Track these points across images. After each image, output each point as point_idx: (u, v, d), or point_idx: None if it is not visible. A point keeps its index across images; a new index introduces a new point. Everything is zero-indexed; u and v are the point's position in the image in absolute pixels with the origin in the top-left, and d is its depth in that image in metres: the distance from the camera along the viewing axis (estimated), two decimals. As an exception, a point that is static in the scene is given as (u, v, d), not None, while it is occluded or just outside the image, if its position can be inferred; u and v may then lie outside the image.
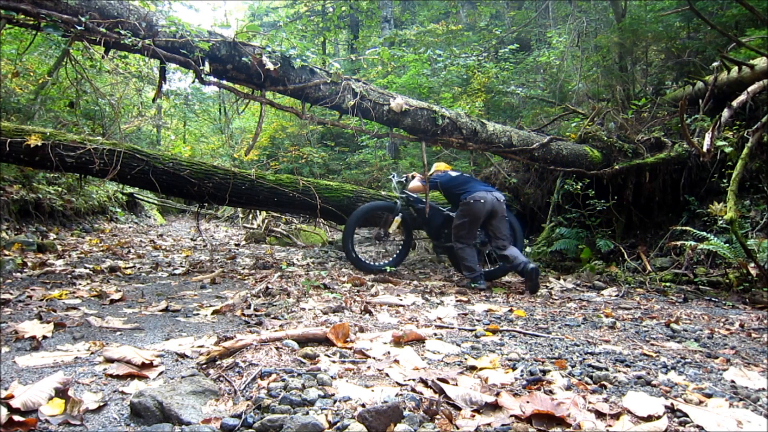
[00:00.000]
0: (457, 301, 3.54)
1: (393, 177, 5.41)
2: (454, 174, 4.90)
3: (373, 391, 1.59)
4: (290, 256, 6.30)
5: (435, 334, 2.44)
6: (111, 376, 1.71)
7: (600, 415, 1.48)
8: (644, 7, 7.14)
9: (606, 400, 1.59)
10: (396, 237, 5.63)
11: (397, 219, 5.05)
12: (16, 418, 1.36)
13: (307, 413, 1.41)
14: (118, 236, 8.29)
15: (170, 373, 1.77)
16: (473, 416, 1.46)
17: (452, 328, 2.61)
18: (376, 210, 5.15)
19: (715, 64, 5.63)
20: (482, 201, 4.50)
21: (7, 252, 4.88)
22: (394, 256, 5.31)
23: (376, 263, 5.14)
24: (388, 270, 4.91)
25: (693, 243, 4.28)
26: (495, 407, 1.52)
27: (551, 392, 1.64)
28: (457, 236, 4.60)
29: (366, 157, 10.83)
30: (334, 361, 1.91)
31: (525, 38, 10.51)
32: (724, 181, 4.47)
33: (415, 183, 5.08)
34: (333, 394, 1.55)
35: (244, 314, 2.77)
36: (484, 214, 4.48)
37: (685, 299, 3.92)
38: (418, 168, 8.60)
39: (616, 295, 4.06)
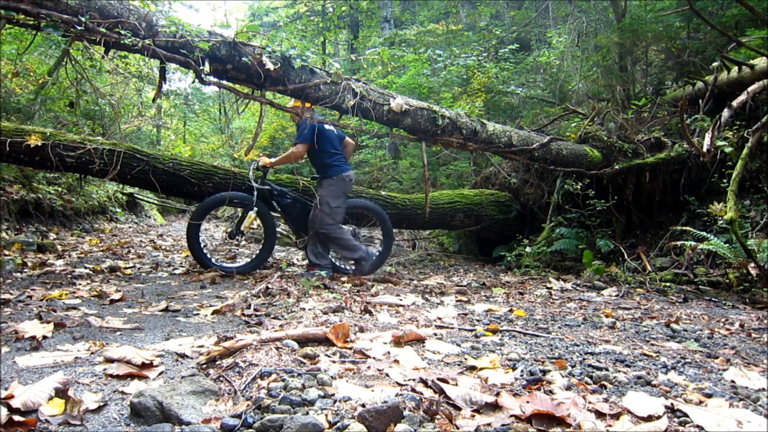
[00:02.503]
0: (457, 301, 3.54)
1: (253, 164, 4.69)
2: (327, 128, 4.49)
3: (373, 391, 1.59)
4: (290, 256, 6.31)
5: (435, 334, 2.44)
6: (111, 376, 1.71)
7: (600, 415, 1.48)
8: (644, 7, 7.14)
9: (606, 400, 1.59)
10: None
11: (251, 215, 4.39)
12: (16, 418, 1.36)
13: (307, 413, 1.41)
14: (118, 236, 8.29)
15: (170, 373, 1.77)
16: (473, 416, 1.46)
17: (452, 328, 2.61)
18: (231, 201, 4.48)
19: (715, 64, 5.62)
20: (351, 180, 4.58)
21: (7, 252, 4.87)
22: (253, 257, 4.74)
23: (231, 264, 4.63)
24: (236, 272, 4.29)
25: (693, 243, 4.28)
26: (495, 407, 1.52)
27: (551, 392, 1.64)
28: (333, 218, 4.41)
29: (366, 157, 10.84)
30: (334, 361, 1.91)
31: (525, 38, 10.51)
32: (724, 181, 4.46)
33: (295, 149, 4.47)
34: (333, 394, 1.55)
35: (244, 314, 2.77)
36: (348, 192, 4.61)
37: (685, 299, 3.92)
38: (418, 168, 8.60)
39: (616, 295, 4.06)
